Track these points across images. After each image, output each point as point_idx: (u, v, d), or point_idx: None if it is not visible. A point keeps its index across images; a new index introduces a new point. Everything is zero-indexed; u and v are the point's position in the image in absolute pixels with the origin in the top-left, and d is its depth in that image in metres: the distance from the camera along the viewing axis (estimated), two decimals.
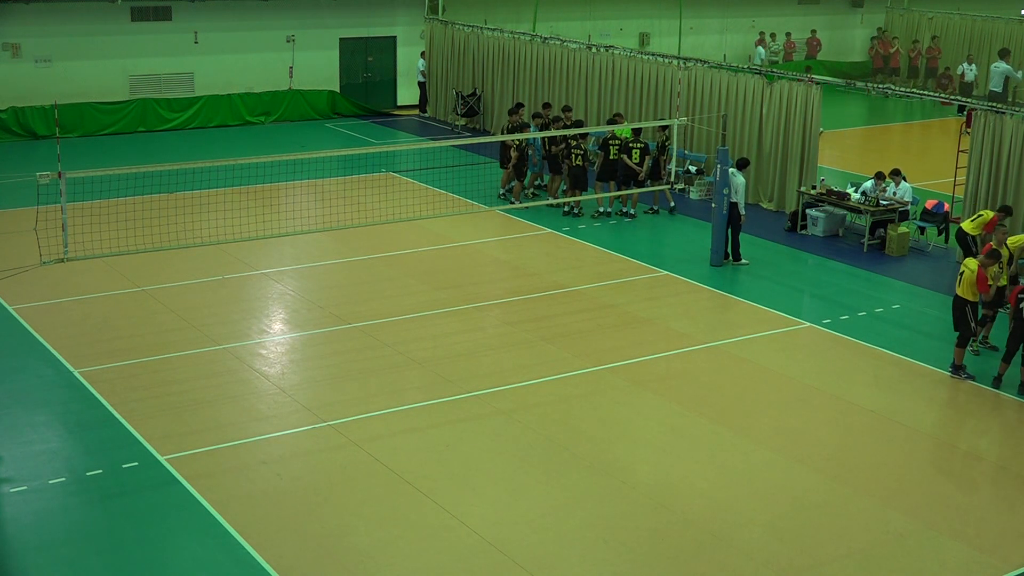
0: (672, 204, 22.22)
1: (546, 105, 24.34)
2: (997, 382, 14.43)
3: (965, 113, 19.53)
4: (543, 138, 21.95)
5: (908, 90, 27.18)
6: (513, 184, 22.58)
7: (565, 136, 21.31)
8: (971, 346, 15.16)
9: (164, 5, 28.61)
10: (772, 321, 16.62)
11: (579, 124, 22.80)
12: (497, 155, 23.59)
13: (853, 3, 41.91)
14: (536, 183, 23.12)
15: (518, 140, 21.76)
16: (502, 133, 24.20)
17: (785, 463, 12.34)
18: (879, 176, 20.46)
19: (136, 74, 28.58)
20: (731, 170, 18.89)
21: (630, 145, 21.51)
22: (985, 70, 34.31)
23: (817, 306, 17.60)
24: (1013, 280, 15.31)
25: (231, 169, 20.95)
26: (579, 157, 21.49)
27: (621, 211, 21.96)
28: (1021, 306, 14.08)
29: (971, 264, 14.58)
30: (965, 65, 33.97)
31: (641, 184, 21.55)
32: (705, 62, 24.36)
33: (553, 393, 13.96)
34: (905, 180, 20.50)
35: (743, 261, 19.14)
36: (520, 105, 24.20)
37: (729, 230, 19.03)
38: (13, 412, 13.14)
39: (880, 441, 12.96)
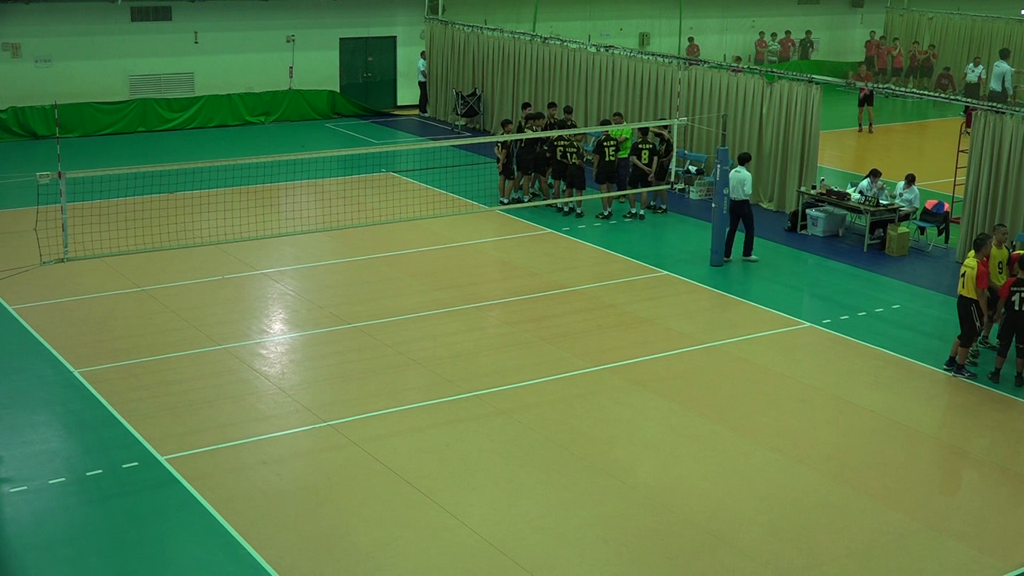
0: (664, 206, 22.26)
1: (527, 105, 24.25)
2: (995, 377, 14.55)
3: (965, 113, 19.55)
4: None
5: (907, 90, 27.17)
6: (508, 185, 22.52)
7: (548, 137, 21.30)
8: (971, 347, 15.16)
9: (164, 5, 28.62)
10: (772, 321, 16.62)
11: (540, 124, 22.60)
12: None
13: (853, 3, 41.92)
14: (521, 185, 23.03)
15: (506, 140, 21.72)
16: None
17: (785, 463, 12.34)
18: (874, 173, 20.45)
19: (136, 74, 28.59)
20: (736, 167, 18.90)
21: (639, 146, 21.46)
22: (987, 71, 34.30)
23: (817, 306, 17.60)
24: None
25: (231, 169, 20.97)
26: (575, 155, 21.47)
27: (630, 213, 21.84)
28: (1013, 299, 14.20)
29: (971, 262, 14.63)
30: (971, 66, 33.94)
31: (649, 184, 21.51)
32: (705, 62, 24.35)
33: (553, 393, 13.96)
34: (915, 184, 20.47)
35: (753, 257, 19.15)
36: (552, 105, 24.09)
37: (741, 226, 19.01)
38: (13, 412, 13.14)
39: (880, 441, 12.96)
